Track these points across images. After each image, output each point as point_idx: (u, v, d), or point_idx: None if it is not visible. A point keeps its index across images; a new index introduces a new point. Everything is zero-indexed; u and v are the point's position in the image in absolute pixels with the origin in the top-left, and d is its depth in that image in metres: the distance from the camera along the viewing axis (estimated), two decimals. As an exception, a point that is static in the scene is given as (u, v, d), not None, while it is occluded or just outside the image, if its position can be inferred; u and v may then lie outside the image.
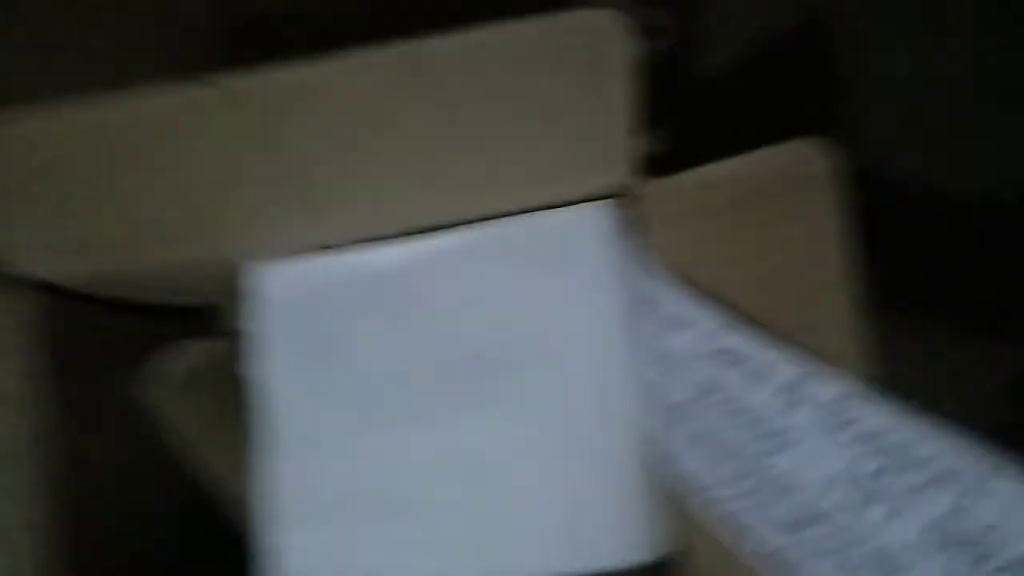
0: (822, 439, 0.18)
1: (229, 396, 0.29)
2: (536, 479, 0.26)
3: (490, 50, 0.21)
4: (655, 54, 0.35)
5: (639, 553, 0.25)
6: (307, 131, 0.23)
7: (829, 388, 0.18)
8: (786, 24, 0.37)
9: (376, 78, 0.21)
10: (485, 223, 0.27)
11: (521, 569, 0.26)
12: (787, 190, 0.20)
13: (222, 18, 0.39)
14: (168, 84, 0.22)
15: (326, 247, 0.27)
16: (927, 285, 0.36)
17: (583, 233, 0.26)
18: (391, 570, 0.26)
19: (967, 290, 0.36)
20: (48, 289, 0.27)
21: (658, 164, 0.23)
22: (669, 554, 0.26)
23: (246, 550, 0.28)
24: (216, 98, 0.22)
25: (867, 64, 0.36)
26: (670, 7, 0.36)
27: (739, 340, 0.20)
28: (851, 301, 0.20)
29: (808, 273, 0.20)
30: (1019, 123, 0.35)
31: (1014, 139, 0.36)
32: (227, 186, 0.24)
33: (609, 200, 0.26)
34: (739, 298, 0.21)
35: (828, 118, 0.36)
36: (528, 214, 0.26)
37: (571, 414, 0.26)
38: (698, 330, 0.21)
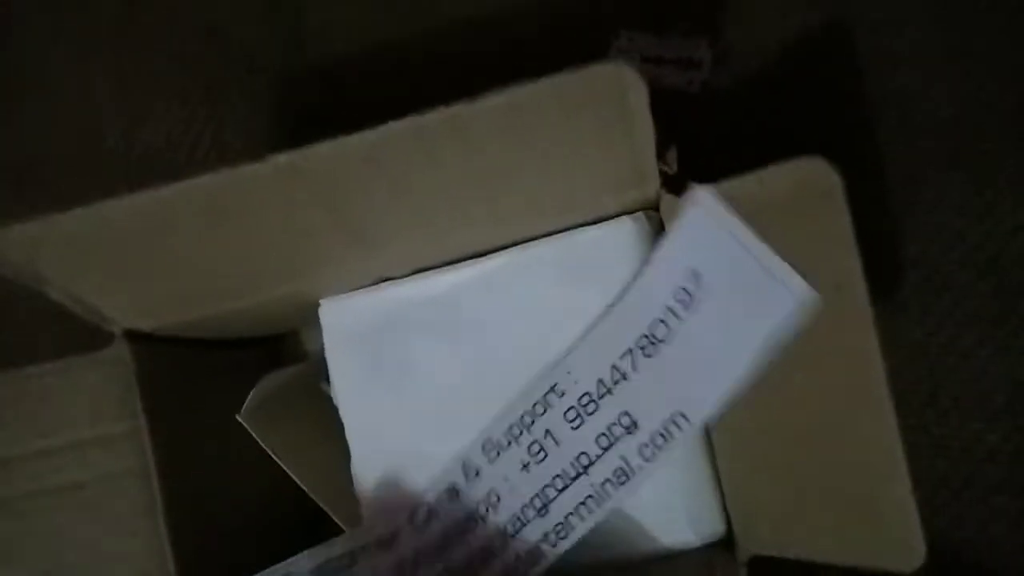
0: None
1: (316, 412, 0.32)
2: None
3: (523, 106, 0.23)
4: (693, 85, 0.37)
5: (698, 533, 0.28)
6: (365, 188, 0.25)
7: None
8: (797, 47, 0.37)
9: (425, 141, 0.24)
10: (525, 244, 0.29)
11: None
12: (798, 204, 0.23)
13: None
14: (237, 163, 0.24)
15: (386, 279, 0.30)
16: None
17: (615, 244, 0.28)
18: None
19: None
20: (143, 338, 0.31)
21: (672, 182, 0.25)
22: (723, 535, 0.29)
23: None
24: (280, 174, 0.24)
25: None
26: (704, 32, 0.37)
27: None
28: (864, 304, 0.22)
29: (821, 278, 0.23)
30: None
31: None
32: (296, 240, 0.27)
33: (637, 213, 0.28)
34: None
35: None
36: (564, 232, 0.29)
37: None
38: None
